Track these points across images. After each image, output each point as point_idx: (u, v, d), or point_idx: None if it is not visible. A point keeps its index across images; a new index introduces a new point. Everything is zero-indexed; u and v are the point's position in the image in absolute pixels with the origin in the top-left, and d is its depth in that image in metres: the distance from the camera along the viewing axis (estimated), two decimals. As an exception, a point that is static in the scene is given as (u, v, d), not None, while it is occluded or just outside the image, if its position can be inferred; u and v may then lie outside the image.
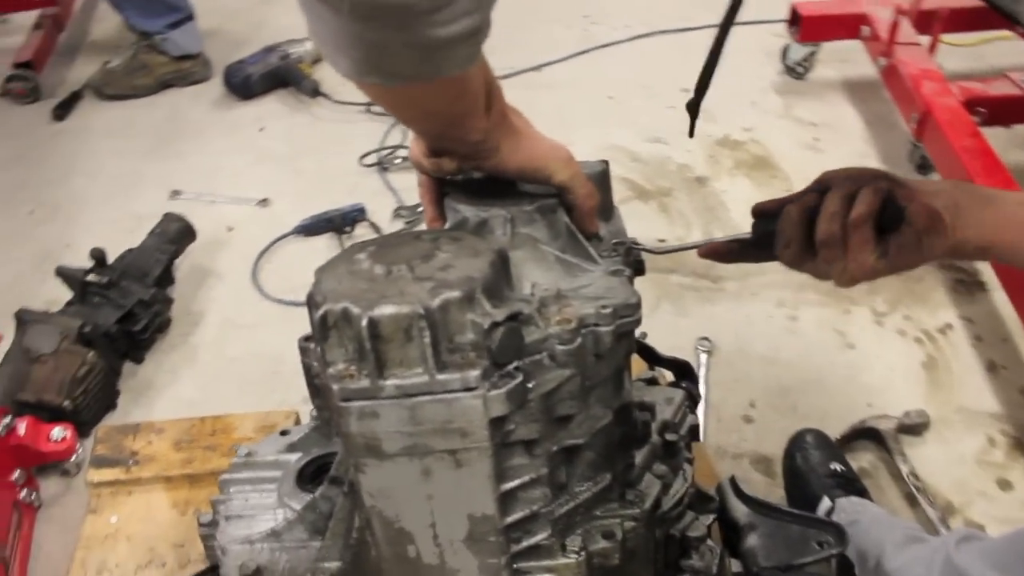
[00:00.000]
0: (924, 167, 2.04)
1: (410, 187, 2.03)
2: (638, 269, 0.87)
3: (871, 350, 1.63)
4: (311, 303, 0.65)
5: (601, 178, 0.85)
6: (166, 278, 1.68)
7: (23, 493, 1.28)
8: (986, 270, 1.75)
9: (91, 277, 1.53)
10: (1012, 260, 0.80)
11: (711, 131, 2.21)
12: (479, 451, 0.65)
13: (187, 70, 2.42)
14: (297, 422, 1.25)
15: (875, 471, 1.42)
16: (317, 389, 0.72)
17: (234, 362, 1.63)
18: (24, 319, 1.46)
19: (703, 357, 1.59)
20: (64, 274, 1.54)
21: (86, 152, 2.22)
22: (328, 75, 2.45)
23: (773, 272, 1.80)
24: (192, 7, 2.44)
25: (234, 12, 2.82)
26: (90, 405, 1.42)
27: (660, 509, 0.85)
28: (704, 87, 0.86)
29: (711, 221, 1.93)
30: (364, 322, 0.60)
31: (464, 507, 0.69)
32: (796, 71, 2.40)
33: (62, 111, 2.34)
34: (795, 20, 2.29)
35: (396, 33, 0.53)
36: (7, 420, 1.27)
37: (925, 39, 2.08)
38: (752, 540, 0.98)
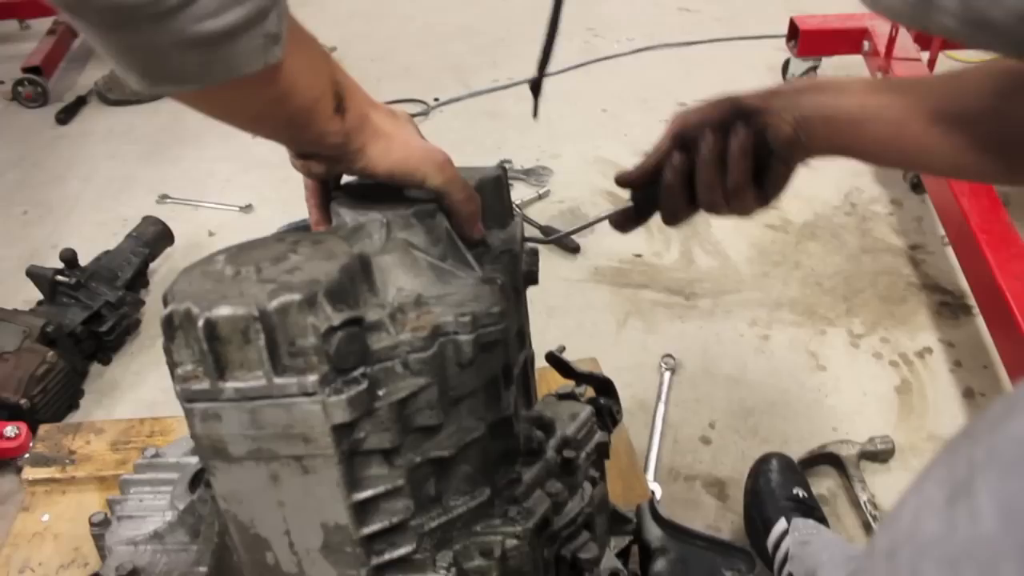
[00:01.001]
0: (918, 185, 2.00)
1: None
2: (530, 278, 0.86)
3: (843, 373, 1.59)
4: (164, 303, 0.65)
5: (495, 184, 0.83)
6: (138, 280, 1.70)
7: (-27, 488, 1.30)
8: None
9: (60, 277, 1.56)
10: (871, 159, 0.84)
11: (704, 146, 2.18)
12: (324, 458, 0.65)
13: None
14: (235, 426, 1.25)
15: (833, 498, 1.38)
16: None
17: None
18: (-10, 317, 1.49)
19: (666, 375, 1.56)
20: (34, 274, 1.57)
21: (83, 156, 2.27)
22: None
23: (749, 290, 1.78)
24: None
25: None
26: (49, 404, 1.44)
27: (549, 528, 0.83)
28: (544, 63, 0.86)
29: (691, 236, 1.90)
30: (201, 323, 0.60)
31: (316, 515, 0.68)
32: (796, 87, 2.36)
33: (65, 115, 2.39)
34: (794, 34, 2.25)
35: (158, 35, 0.51)
36: (-40, 415, 1.30)
37: (926, 54, 2.03)
38: (660, 564, 0.96)
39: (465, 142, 2.23)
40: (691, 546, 0.96)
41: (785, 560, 1.19)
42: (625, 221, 0.90)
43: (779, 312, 1.72)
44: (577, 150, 2.20)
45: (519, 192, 2.06)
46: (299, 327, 0.61)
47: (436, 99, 2.39)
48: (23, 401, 1.40)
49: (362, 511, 0.69)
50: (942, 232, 1.79)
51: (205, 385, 0.61)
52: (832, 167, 2.07)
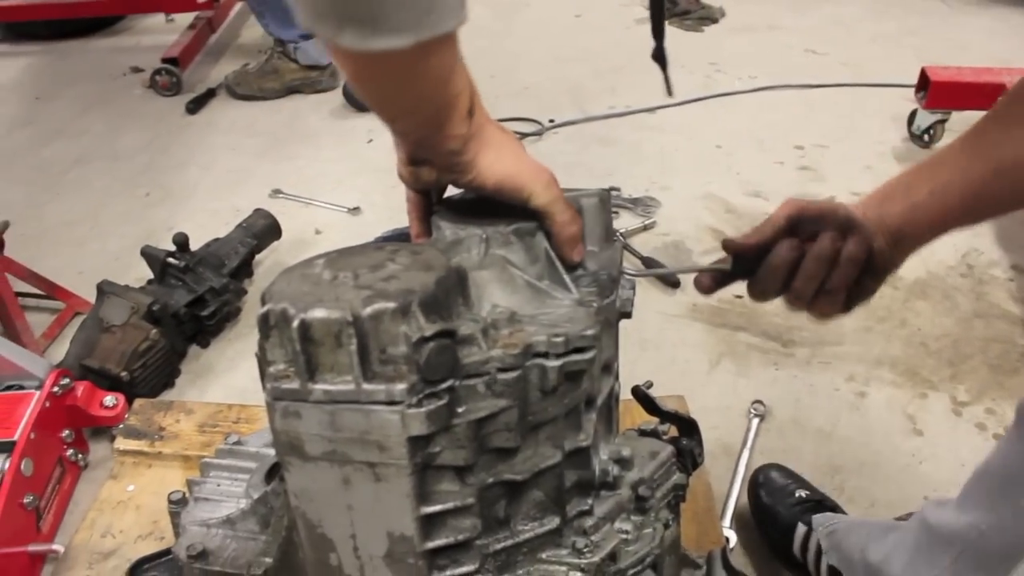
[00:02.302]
0: (1045, 254, 1.88)
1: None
2: (624, 309, 0.84)
3: (941, 440, 1.50)
4: (262, 301, 0.67)
5: (598, 207, 0.82)
6: (243, 270, 1.76)
7: (70, 452, 1.36)
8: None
9: (171, 260, 1.63)
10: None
11: (818, 190, 2.12)
12: (397, 468, 0.65)
13: (314, 78, 2.55)
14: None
15: (920, 572, 1.30)
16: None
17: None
18: (104, 290, 1.56)
19: (754, 421, 1.51)
20: (147, 254, 1.64)
21: (206, 145, 2.37)
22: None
23: (850, 344, 1.70)
24: None
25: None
26: (147, 379, 1.51)
27: (615, 565, 0.81)
28: (660, 32, 0.87)
29: (794, 283, 1.84)
30: (296, 323, 0.61)
31: (383, 523, 0.68)
32: (922, 139, 2.27)
33: (195, 106, 2.52)
34: (924, 85, 2.17)
35: None
36: (66, 381, 1.36)
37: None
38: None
39: (576, 166, 2.23)
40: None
41: (819, 555, 1.17)
42: (713, 283, 0.91)
43: (879, 370, 1.64)
44: (687, 184, 2.17)
45: (624, 221, 2.04)
46: (391, 335, 0.62)
47: (551, 120, 2.40)
48: (124, 374, 1.46)
49: (428, 525, 0.68)
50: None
51: (295, 385, 0.62)
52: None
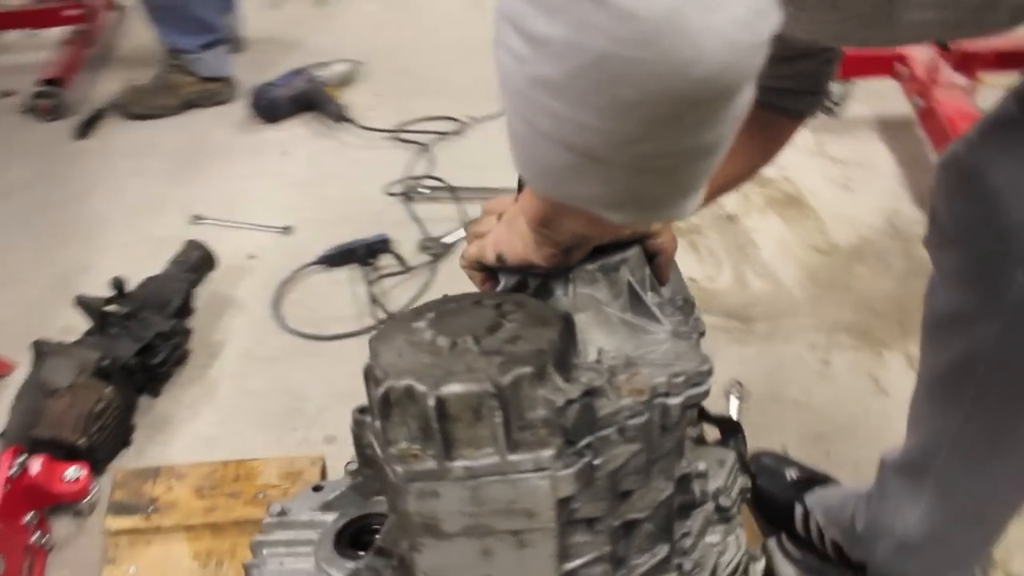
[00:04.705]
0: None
1: (435, 218, 2.00)
2: (702, 331, 0.84)
3: (905, 396, 1.57)
4: (370, 377, 0.62)
5: None
6: (185, 308, 1.64)
7: (35, 536, 1.24)
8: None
9: (110, 307, 1.50)
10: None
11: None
12: (543, 532, 0.62)
13: (213, 91, 2.40)
14: (323, 469, 1.21)
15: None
16: (368, 459, 0.68)
17: (254, 397, 1.59)
18: (41, 350, 1.42)
19: (735, 403, 1.55)
20: (84, 303, 1.50)
21: (107, 173, 2.19)
22: (356, 100, 2.43)
23: (805, 315, 1.77)
24: (229, 30, 2.43)
25: (264, 32, 2.81)
26: (106, 442, 1.39)
27: (716, 577, 0.81)
28: None
29: (741, 260, 1.89)
30: (431, 401, 0.57)
31: None
32: (830, 108, 2.37)
33: (85, 129, 2.31)
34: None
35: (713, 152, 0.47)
36: (21, 459, 1.23)
37: (963, 78, 2.04)
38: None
39: (503, 162, 2.16)
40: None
41: (821, 532, 1.22)
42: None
43: (837, 336, 1.71)
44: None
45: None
46: (530, 400, 0.59)
47: (471, 116, 2.35)
48: (82, 441, 1.34)
49: None
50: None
51: (431, 465, 0.58)
52: (870, 190, 2.09)
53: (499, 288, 0.76)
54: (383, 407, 0.59)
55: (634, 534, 0.71)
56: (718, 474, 0.87)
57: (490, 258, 0.73)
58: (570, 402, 0.58)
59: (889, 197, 2.08)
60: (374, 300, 1.77)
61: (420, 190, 2.07)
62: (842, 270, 1.88)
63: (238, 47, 2.58)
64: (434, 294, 1.83)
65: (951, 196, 0.87)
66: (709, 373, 0.68)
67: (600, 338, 0.70)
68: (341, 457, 1.45)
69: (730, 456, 0.91)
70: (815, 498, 1.26)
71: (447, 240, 1.94)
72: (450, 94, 2.47)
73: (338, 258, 1.87)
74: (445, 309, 0.66)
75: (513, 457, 0.58)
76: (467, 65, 2.48)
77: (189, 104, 2.39)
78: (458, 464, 0.58)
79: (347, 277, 1.85)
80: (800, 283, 1.85)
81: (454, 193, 2.05)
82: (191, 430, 1.52)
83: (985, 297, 0.85)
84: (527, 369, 0.58)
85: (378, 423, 0.61)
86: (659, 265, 0.75)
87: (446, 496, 0.59)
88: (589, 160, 0.46)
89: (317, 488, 0.91)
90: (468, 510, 0.60)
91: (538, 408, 0.58)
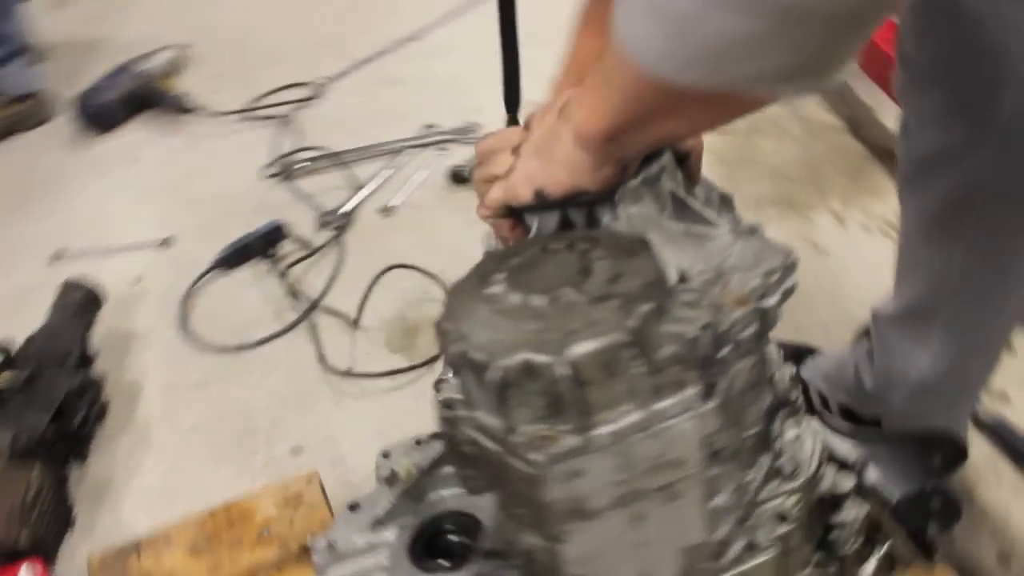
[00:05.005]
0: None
1: (323, 190, 1.85)
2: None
3: (843, 252, 1.61)
4: (464, 363, 0.51)
5: None
6: (86, 356, 1.44)
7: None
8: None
9: (2, 378, 1.28)
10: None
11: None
12: (692, 478, 0.56)
13: (26, 111, 2.10)
14: (321, 484, 1.08)
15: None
16: (469, 458, 0.58)
17: (195, 431, 1.42)
18: (-61, 449, 1.20)
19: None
20: (-30, 381, 1.28)
21: (-69, 228, 1.89)
22: (195, 86, 2.20)
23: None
24: (25, 38, 2.12)
25: (64, 35, 2.49)
26: (48, 530, 1.20)
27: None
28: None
29: (651, 158, 1.86)
30: (562, 369, 0.47)
31: (677, 542, 0.59)
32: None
33: None
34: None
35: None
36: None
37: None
38: (873, 475, 0.91)
39: (375, 116, 2.04)
40: (887, 446, 0.92)
41: (825, 400, 1.22)
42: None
43: (763, 210, 1.71)
44: (497, 97, 2.08)
45: (460, 154, 1.93)
46: (656, 339, 0.50)
47: (326, 77, 2.17)
48: (23, 537, 1.15)
49: (715, 518, 0.60)
50: (863, 96, 1.84)
51: (571, 442, 0.49)
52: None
53: (532, 233, 0.66)
54: (499, 393, 0.49)
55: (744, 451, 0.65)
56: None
57: (525, 196, 0.64)
58: (703, 329, 0.51)
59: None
60: (292, 292, 1.62)
61: (298, 165, 1.91)
62: (746, 146, 1.88)
63: (38, 57, 2.26)
64: (350, 269, 1.71)
65: (922, 35, 0.85)
66: (795, 264, 0.61)
67: (673, 255, 0.62)
68: (318, 465, 1.33)
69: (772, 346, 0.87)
70: (808, 369, 1.25)
71: (345, 209, 1.80)
72: (293, 59, 2.28)
73: (234, 258, 1.69)
74: (513, 266, 0.57)
75: (658, 406, 0.50)
76: (301, 25, 2.31)
77: (5, 131, 2.08)
78: (602, 432, 0.50)
79: (251, 275, 1.68)
80: (710, 166, 1.83)
81: (336, 159, 1.90)
82: (137, 487, 1.34)
83: (972, 127, 0.84)
84: (650, 305, 0.50)
85: (485, 414, 0.51)
86: (691, 165, 0.68)
87: (591, 471, 0.51)
88: (789, 21, 0.43)
89: (354, 507, 0.81)
90: (616, 479, 0.52)
91: (666, 346, 0.51)
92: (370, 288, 1.62)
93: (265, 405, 1.45)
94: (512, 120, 0.85)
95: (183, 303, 1.63)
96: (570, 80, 0.87)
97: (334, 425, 1.41)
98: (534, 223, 0.67)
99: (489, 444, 0.52)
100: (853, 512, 0.81)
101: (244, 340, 1.55)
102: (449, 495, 0.76)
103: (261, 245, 1.70)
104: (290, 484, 1.07)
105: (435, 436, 0.82)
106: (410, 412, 1.43)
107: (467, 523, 0.73)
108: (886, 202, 1.70)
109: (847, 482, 0.81)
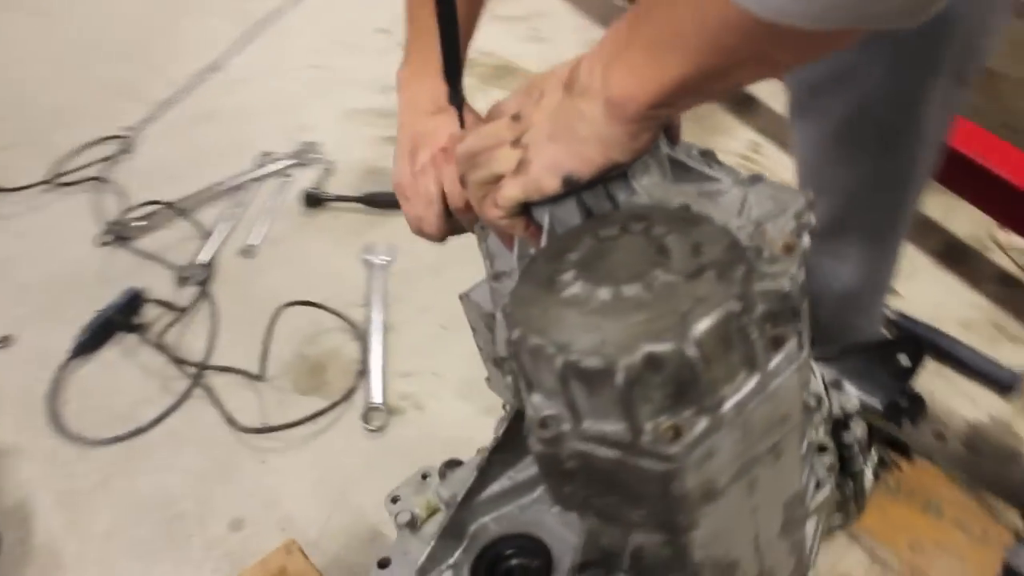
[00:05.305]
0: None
1: (169, 244, 1.70)
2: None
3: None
4: (573, 374, 0.47)
5: None
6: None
7: None
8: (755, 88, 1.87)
9: None
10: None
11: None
12: (793, 431, 0.55)
13: None
14: (300, 549, 1.00)
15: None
16: (567, 474, 0.53)
17: (112, 536, 1.26)
18: None
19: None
20: None
21: None
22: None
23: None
24: None
25: None
26: None
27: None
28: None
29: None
30: (691, 351, 0.45)
31: (781, 497, 0.58)
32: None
33: None
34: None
35: None
36: None
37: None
38: (852, 389, 0.96)
39: (200, 157, 1.89)
40: (855, 361, 0.97)
41: None
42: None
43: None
44: (324, 112, 2.00)
45: (307, 176, 1.84)
46: (753, 299, 0.50)
47: (128, 128, 1.99)
48: None
49: (803, 465, 0.61)
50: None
51: (703, 424, 0.47)
52: (560, 34, 2.13)
53: (544, 231, 0.63)
54: (624, 395, 0.46)
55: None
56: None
57: (551, 186, 0.59)
58: (792, 280, 0.51)
59: (584, 30, 2.14)
60: (177, 360, 1.47)
61: (134, 224, 1.74)
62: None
63: None
64: (227, 321, 1.57)
65: None
66: (814, 202, 0.63)
67: (710, 217, 0.62)
68: (265, 533, 1.22)
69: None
70: None
71: (203, 259, 1.66)
72: (87, 113, 2.07)
73: (94, 339, 1.52)
74: (576, 262, 0.53)
75: (772, 365, 0.50)
76: (83, 74, 2.09)
77: None
78: (727, 406, 0.48)
79: (120, 353, 1.52)
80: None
81: (173, 210, 1.75)
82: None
83: (862, 46, 0.90)
84: (743, 268, 0.49)
85: (597, 422, 0.48)
86: (674, 126, 0.67)
87: (721, 449, 0.49)
88: None
89: (384, 563, 0.74)
90: (738, 450, 0.51)
91: (760, 304, 0.50)
92: (269, 334, 1.51)
93: (183, 486, 1.31)
94: (455, 94, 0.80)
95: (49, 402, 1.44)
96: (420, 51, 0.84)
97: (267, 487, 1.31)
98: (544, 217, 0.63)
99: (605, 453, 0.49)
100: (860, 428, 0.85)
101: (135, 424, 1.39)
102: (490, 521, 0.72)
103: (121, 318, 1.53)
104: (269, 560, 0.97)
105: (448, 464, 0.77)
106: (345, 451, 1.35)
107: (524, 544, 0.69)
108: (736, 138, 1.80)
109: (851, 401, 0.85)
